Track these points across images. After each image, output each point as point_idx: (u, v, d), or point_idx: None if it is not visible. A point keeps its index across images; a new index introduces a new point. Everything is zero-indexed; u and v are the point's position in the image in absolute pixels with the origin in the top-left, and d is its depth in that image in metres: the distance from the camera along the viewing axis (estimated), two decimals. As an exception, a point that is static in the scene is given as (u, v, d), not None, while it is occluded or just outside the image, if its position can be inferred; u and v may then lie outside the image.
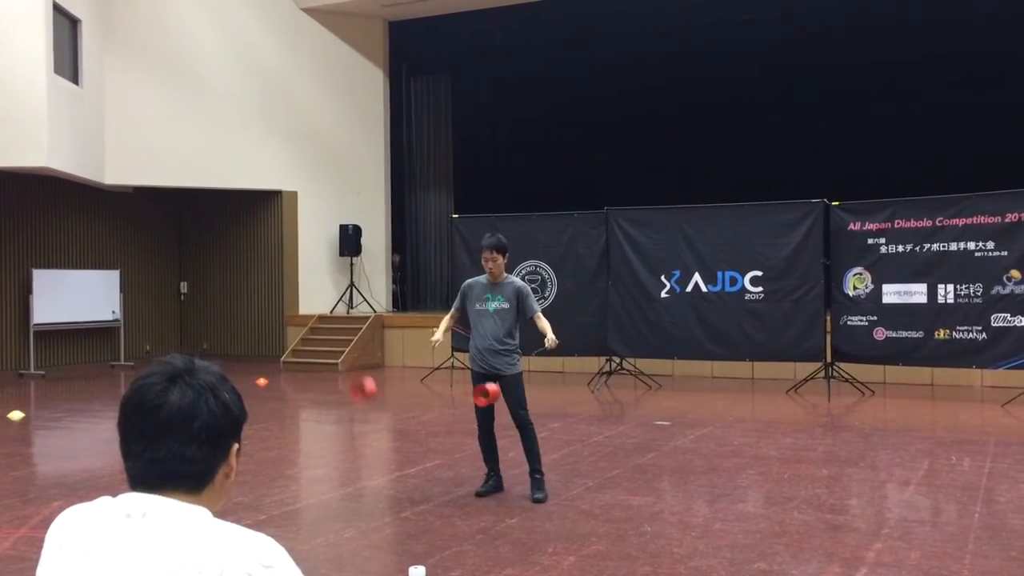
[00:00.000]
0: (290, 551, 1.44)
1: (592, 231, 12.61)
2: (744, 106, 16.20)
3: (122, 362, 15.57)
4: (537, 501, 5.97)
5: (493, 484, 6.27)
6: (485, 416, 6.20)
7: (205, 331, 17.40)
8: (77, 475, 7.06)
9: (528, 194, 16.82)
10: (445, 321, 6.62)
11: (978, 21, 14.08)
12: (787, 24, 15.20)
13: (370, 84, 17.08)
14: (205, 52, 15.61)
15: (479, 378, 6.17)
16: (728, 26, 15.49)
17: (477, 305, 6.21)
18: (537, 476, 6.13)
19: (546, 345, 6.19)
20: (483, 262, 6.24)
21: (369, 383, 5.66)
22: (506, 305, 6.14)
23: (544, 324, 6.31)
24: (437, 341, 6.49)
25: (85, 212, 15.65)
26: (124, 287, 15.84)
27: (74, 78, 13.55)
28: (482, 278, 6.30)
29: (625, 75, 16.85)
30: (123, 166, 14.86)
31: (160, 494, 1.44)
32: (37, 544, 1.51)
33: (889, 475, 6.89)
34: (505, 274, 6.28)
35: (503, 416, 6.25)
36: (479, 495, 6.15)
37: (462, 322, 6.74)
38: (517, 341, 6.24)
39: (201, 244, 17.42)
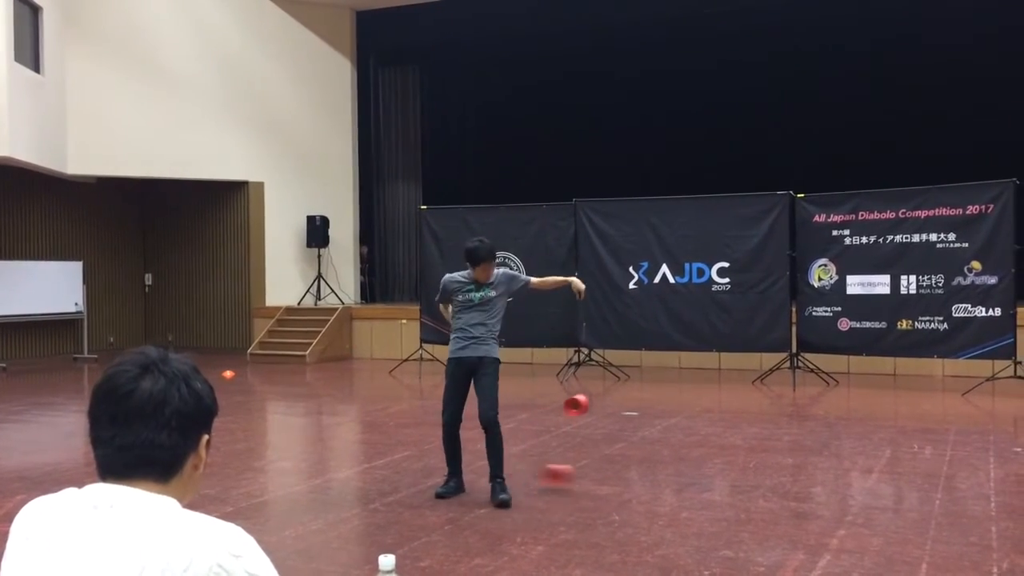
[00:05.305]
0: (258, 543, 1.44)
1: (561, 223, 12.65)
2: (712, 98, 16.28)
3: (85, 355, 15.37)
4: (502, 504, 5.60)
5: (454, 485, 5.94)
6: (452, 416, 5.91)
7: (170, 323, 17.23)
8: (40, 469, 6.97)
9: (497, 185, 16.82)
10: (445, 312, 6.47)
11: (947, 11, 14.22)
12: (753, 15, 15.30)
13: (338, 75, 16.97)
14: (169, 41, 15.41)
15: (455, 363, 5.94)
16: (695, 18, 15.56)
17: (461, 296, 5.97)
18: (499, 480, 5.78)
19: (578, 298, 6.49)
20: (477, 273, 5.91)
21: (582, 398, 6.42)
22: (492, 294, 5.93)
23: (547, 280, 6.53)
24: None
25: (47, 202, 15.42)
26: (87, 278, 15.63)
27: (35, 66, 13.33)
28: (460, 275, 6.05)
29: (594, 67, 16.88)
30: (86, 156, 14.66)
31: (128, 484, 1.44)
32: (0, 538, 1.50)
33: (852, 463, 6.99)
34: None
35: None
36: (439, 496, 5.84)
37: (438, 316, 6.69)
38: (499, 331, 6.00)
39: (166, 235, 17.23)
